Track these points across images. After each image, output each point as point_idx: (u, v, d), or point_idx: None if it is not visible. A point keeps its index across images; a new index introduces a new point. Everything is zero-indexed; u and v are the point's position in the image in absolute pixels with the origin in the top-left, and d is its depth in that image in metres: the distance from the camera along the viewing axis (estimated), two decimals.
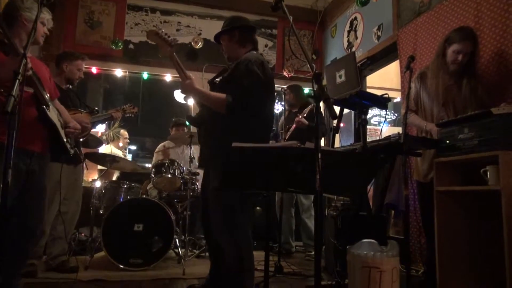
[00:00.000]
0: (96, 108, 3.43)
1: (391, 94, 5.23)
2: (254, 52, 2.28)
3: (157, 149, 4.72)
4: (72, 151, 2.26)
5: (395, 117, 6.19)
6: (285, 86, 4.00)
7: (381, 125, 5.74)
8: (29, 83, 1.88)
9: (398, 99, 5.18)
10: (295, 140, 1.65)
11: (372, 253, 1.85)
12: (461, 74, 2.58)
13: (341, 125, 4.60)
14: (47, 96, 2.09)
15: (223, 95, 2.08)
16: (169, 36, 2.17)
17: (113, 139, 5.24)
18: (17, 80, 1.42)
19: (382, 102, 2.76)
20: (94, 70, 5.15)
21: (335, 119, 1.67)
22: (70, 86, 3.27)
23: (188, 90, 2.17)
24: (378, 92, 2.98)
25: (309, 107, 3.95)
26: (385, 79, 5.21)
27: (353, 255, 1.92)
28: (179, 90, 2.22)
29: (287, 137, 3.87)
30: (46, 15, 2.15)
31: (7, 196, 1.30)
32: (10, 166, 1.31)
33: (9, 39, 1.86)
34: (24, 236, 2.07)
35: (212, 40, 2.48)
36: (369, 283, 1.82)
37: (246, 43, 2.30)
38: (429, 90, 2.69)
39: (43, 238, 2.96)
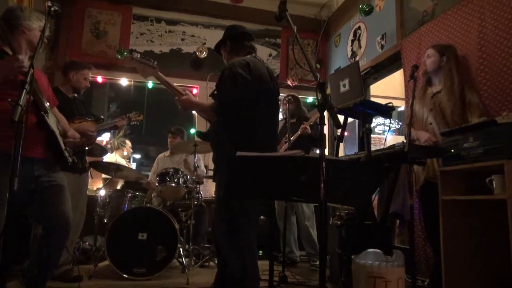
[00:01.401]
0: (102, 117, 3.45)
1: (395, 103, 5.25)
2: (248, 56, 2.23)
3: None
4: (70, 159, 2.27)
5: (399, 126, 6.18)
6: (285, 95, 4.00)
7: (385, 134, 5.73)
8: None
9: (402, 108, 5.19)
10: (296, 149, 1.65)
11: (377, 263, 1.84)
12: (449, 81, 2.70)
13: (345, 134, 4.61)
14: (47, 104, 2.13)
15: (211, 102, 2.11)
16: (148, 59, 2.20)
17: (117, 148, 5.26)
18: (24, 90, 1.43)
19: (386, 111, 2.77)
20: (99, 79, 5.19)
21: (339, 128, 1.66)
22: (77, 95, 3.30)
23: (188, 106, 2.19)
24: (382, 101, 2.99)
25: (315, 116, 3.98)
26: (389, 88, 5.22)
27: (358, 265, 1.91)
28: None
29: (284, 147, 3.86)
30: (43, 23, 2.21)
31: (13, 204, 1.31)
32: (17, 175, 1.32)
33: (11, 44, 1.93)
34: (54, 237, 2.16)
35: None
36: None
37: (239, 51, 2.28)
38: (420, 99, 2.84)
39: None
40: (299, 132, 3.91)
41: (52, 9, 1.79)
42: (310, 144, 3.89)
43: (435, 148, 2.57)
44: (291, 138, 3.85)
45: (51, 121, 2.14)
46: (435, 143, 2.61)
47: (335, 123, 1.51)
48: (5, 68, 1.89)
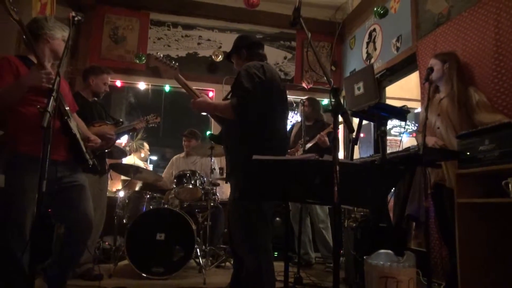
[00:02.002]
0: (121, 120, 3.54)
1: (411, 104, 5.22)
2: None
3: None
4: (90, 162, 2.36)
5: (415, 127, 6.13)
6: (303, 98, 4.02)
7: (401, 136, 5.70)
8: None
9: (418, 110, 5.15)
10: (312, 153, 1.68)
11: (389, 263, 1.86)
12: (449, 87, 2.76)
13: (361, 135, 4.60)
14: (67, 108, 2.22)
15: (228, 100, 2.16)
16: (170, 60, 2.29)
17: (136, 150, 5.37)
18: (52, 97, 1.51)
19: (401, 113, 2.77)
20: (118, 83, 5.31)
21: (352, 132, 1.69)
22: (96, 99, 3.40)
23: (202, 107, 2.25)
24: (398, 103, 3.00)
25: (328, 129, 3.96)
26: (405, 90, 5.20)
27: (370, 265, 1.93)
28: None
29: (299, 152, 3.88)
30: (67, 33, 2.30)
31: (42, 204, 1.39)
32: (45, 177, 1.39)
33: (36, 52, 2.02)
34: (76, 235, 2.24)
35: None
36: None
37: (252, 59, 2.34)
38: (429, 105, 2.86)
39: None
40: (315, 140, 3.92)
41: (76, 19, 1.88)
42: (326, 152, 3.90)
43: (451, 150, 2.57)
44: (309, 142, 3.88)
45: (73, 125, 2.24)
46: (442, 147, 2.63)
47: (348, 128, 1.55)
48: (34, 79, 1.99)
